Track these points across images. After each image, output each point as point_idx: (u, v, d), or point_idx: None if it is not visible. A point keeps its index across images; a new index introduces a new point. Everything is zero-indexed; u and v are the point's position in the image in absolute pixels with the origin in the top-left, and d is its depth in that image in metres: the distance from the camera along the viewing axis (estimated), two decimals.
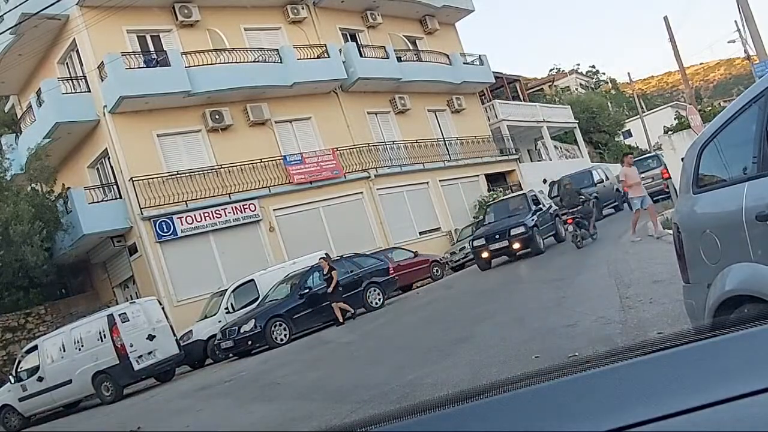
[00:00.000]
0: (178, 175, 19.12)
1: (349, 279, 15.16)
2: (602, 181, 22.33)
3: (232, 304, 15.95)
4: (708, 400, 0.65)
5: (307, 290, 14.52)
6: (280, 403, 7.38)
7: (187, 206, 18.84)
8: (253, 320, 14.03)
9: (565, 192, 15.31)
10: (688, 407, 0.65)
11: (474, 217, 25.70)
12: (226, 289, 16.46)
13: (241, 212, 19.92)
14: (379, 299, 15.59)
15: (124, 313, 13.85)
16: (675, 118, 28.70)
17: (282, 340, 13.85)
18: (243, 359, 13.93)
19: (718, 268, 2.80)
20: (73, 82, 19.62)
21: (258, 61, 21.25)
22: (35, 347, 14.42)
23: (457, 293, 14.72)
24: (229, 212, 19.70)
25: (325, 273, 14.40)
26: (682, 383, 0.70)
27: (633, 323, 5.67)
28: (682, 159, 3.55)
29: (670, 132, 20.25)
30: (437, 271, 20.14)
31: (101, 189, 19.56)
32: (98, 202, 18.83)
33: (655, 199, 21.23)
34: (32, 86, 20.83)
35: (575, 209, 14.63)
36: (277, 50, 21.82)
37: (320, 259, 15.01)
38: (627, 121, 54.88)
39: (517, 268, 14.73)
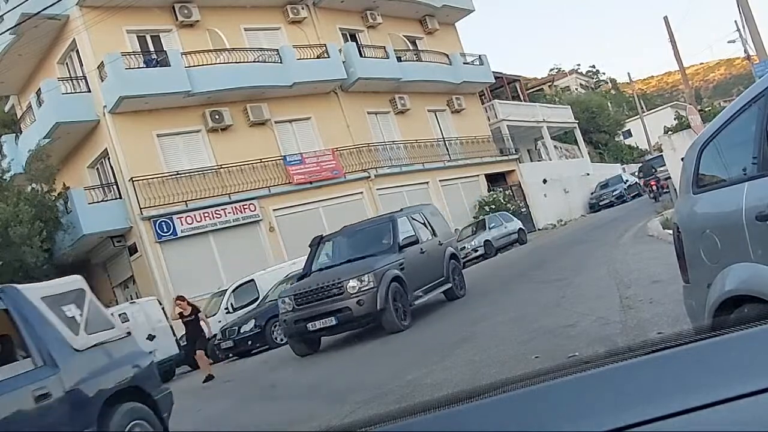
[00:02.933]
0: (178, 176, 19.12)
1: None
2: (413, 242, 10.92)
3: (232, 304, 15.95)
4: (708, 400, 0.65)
5: None
6: (280, 403, 7.38)
7: (187, 206, 18.85)
8: (253, 320, 14.04)
9: (643, 167, 26.20)
10: (688, 407, 0.65)
11: (474, 217, 25.72)
12: (226, 289, 16.46)
13: (241, 212, 19.93)
14: None
15: (124, 313, 13.86)
16: (675, 118, 28.71)
17: (282, 340, 13.84)
18: (243, 359, 13.92)
19: (718, 268, 2.80)
20: (73, 82, 19.63)
21: (258, 61, 21.25)
22: None
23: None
24: (229, 212, 19.70)
25: (186, 315, 11.45)
26: (682, 383, 0.70)
27: (633, 323, 5.67)
28: (682, 159, 3.55)
29: (670, 132, 20.16)
30: None
31: (101, 189, 19.57)
32: (98, 202, 18.84)
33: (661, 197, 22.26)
34: (32, 86, 20.82)
35: (650, 177, 24.52)
36: (277, 50, 21.82)
37: (176, 300, 11.83)
38: (627, 121, 54.94)
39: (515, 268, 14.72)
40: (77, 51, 19.72)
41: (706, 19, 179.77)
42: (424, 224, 11.92)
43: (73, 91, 19.31)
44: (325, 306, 9.67)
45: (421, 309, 11.90)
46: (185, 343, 12.50)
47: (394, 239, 10.69)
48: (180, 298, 11.84)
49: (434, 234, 11.96)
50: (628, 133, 54.77)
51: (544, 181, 31.03)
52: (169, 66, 19.22)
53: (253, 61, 21.15)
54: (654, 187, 24.56)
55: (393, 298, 9.72)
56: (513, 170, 30.12)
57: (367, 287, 9.54)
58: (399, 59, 25.83)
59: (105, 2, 18.19)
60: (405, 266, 10.34)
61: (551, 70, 72.89)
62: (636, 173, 31.75)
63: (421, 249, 11.07)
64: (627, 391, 0.71)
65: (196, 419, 8.02)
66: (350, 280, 9.64)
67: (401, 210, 12.09)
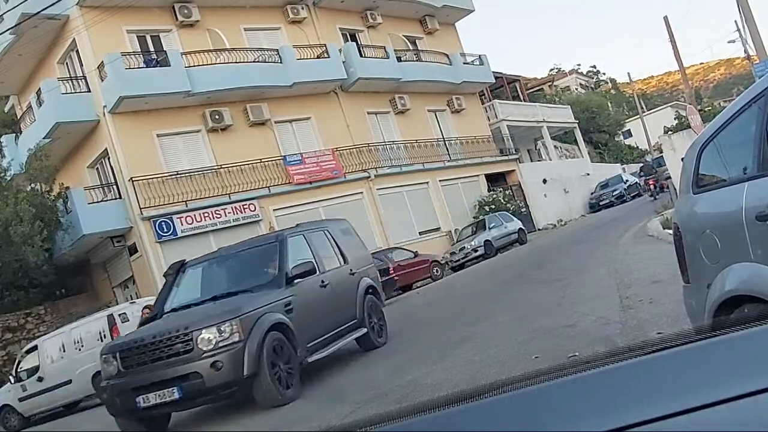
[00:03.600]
0: (178, 175, 19.13)
1: None
2: (309, 272, 7.84)
3: None
4: (708, 400, 0.65)
5: None
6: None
7: (187, 206, 18.85)
8: None
9: (644, 167, 29.48)
10: (688, 407, 0.65)
11: (474, 217, 25.73)
12: None
13: (241, 212, 19.92)
14: None
15: (124, 313, 13.86)
16: (675, 118, 28.74)
17: None
18: None
19: (718, 268, 2.80)
20: (73, 82, 19.62)
21: (258, 61, 21.25)
22: (35, 347, 14.41)
23: (457, 293, 14.72)
24: (229, 212, 19.70)
25: None
26: (682, 383, 0.70)
27: (633, 323, 5.67)
28: (682, 159, 3.56)
29: (670, 132, 20.17)
30: (437, 271, 20.14)
31: (101, 189, 19.57)
32: (98, 202, 18.84)
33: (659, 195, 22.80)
34: (32, 86, 20.82)
35: (651, 176, 26.91)
36: (277, 50, 21.82)
37: (144, 309, 11.07)
38: (627, 121, 54.99)
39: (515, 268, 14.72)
40: (77, 51, 19.72)
41: (706, 19, 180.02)
42: (330, 246, 9.00)
43: (73, 91, 19.31)
44: (165, 370, 6.51)
45: (421, 308, 11.87)
46: None
47: (281, 268, 7.70)
48: (148, 307, 11.00)
49: (344, 260, 9.02)
50: (628, 133, 54.81)
51: (544, 181, 31.03)
52: (169, 66, 19.22)
53: (253, 61, 21.15)
54: (652, 186, 25.77)
55: (270, 356, 6.71)
56: (513, 170, 30.11)
57: (228, 341, 6.49)
58: (399, 59, 25.83)
59: (105, 2, 18.19)
60: (294, 307, 7.36)
61: (551, 70, 72.94)
62: (638, 172, 32.63)
63: (323, 281, 8.17)
64: (627, 391, 0.71)
65: (195, 418, 8.02)
66: (202, 331, 6.52)
67: (297, 226, 9.20)
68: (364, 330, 8.66)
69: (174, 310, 7.91)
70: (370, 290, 9.21)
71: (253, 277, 7.95)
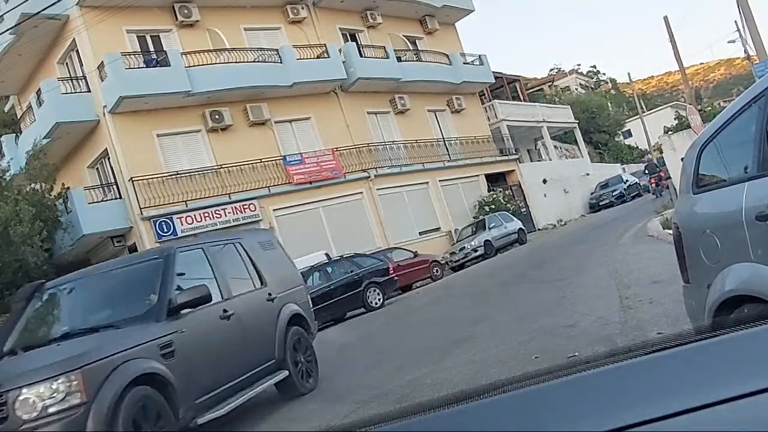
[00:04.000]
0: (178, 175, 19.13)
1: (349, 279, 15.18)
2: (202, 299, 5.69)
3: None
4: (708, 400, 0.65)
5: None
6: (280, 402, 7.37)
7: (187, 206, 18.85)
8: None
9: (648, 166, 29.12)
10: (688, 407, 0.65)
11: (474, 217, 25.73)
12: None
13: (241, 212, 19.93)
14: (379, 299, 15.60)
15: None
16: (675, 118, 28.75)
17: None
18: None
19: (718, 268, 2.80)
20: (73, 82, 19.63)
21: (258, 61, 21.26)
22: None
23: (457, 293, 14.72)
24: (229, 212, 19.70)
25: None
26: (682, 383, 0.70)
27: (633, 324, 5.67)
28: (682, 159, 3.56)
29: (670, 132, 20.17)
30: (437, 271, 20.14)
31: (101, 189, 19.57)
32: (98, 202, 18.84)
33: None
34: (32, 86, 20.83)
35: (654, 174, 26.59)
36: (277, 50, 21.83)
37: None
38: (627, 121, 55.05)
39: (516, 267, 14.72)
40: (77, 51, 19.72)
41: (706, 19, 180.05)
42: (242, 264, 7.04)
43: (73, 91, 19.31)
44: None
45: (421, 308, 11.86)
46: None
47: (163, 294, 5.63)
48: None
49: (261, 282, 7.10)
50: (628, 133, 54.88)
51: (544, 181, 31.04)
52: (169, 66, 19.23)
53: (253, 61, 21.16)
54: (655, 185, 26.91)
55: (132, 423, 4.64)
56: (513, 170, 30.12)
57: (63, 405, 4.38)
58: (399, 59, 25.83)
59: (105, 2, 18.19)
60: (177, 348, 5.34)
61: (551, 70, 73.01)
62: (642, 170, 33.47)
63: (225, 310, 6.16)
64: (627, 391, 0.71)
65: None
66: (23, 389, 4.39)
67: (195, 237, 7.52)
68: (285, 373, 6.74)
69: (12, 352, 5.56)
70: (295, 320, 7.26)
71: (125, 306, 5.92)
